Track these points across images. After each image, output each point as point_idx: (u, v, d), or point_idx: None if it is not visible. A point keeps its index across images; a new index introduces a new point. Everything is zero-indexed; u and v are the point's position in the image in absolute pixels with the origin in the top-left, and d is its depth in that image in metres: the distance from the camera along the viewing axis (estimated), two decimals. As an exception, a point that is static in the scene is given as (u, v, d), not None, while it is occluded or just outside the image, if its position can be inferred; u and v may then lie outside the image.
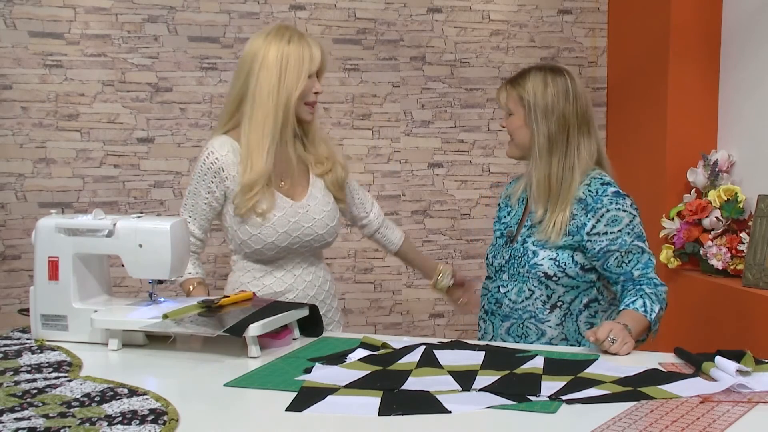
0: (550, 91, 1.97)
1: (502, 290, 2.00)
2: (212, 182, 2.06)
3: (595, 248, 1.91)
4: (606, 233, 1.90)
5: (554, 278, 1.94)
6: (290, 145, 2.08)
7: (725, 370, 1.45)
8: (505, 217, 2.12)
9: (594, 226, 1.91)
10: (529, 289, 1.96)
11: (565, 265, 1.93)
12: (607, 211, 1.92)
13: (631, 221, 1.92)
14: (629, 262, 1.90)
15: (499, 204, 2.19)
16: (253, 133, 2.02)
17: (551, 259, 1.94)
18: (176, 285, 3.32)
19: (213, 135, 2.14)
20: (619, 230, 1.90)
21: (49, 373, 1.58)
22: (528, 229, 2.00)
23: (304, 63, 2.02)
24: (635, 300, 1.85)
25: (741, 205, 2.88)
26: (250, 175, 2.01)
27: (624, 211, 1.92)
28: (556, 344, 1.94)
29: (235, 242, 2.10)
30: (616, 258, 1.90)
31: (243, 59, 2.07)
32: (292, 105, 2.02)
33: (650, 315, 1.83)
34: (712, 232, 2.94)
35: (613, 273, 1.91)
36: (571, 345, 1.95)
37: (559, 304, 1.96)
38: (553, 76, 1.99)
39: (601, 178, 1.97)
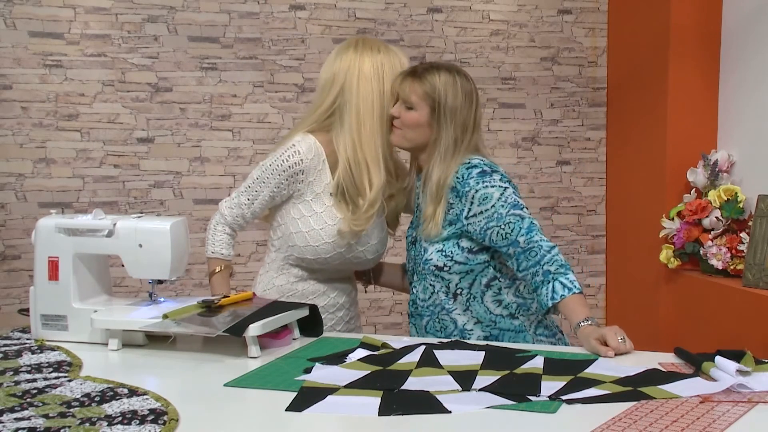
0: (460, 95, 1.96)
1: (414, 291, 2.06)
2: (286, 180, 2.01)
3: (476, 230, 1.92)
4: (481, 212, 1.91)
5: (445, 269, 1.96)
6: (394, 151, 2.06)
7: (725, 370, 1.45)
8: (413, 222, 2.14)
9: (469, 210, 1.92)
10: (430, 285, 2.00)
11: (452, 253, 1.95)
12: (476, 191, 1.91)
13: (501, 194, 1.91)
14: (512, 232, 1.89)
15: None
16: (366, 147, 1.98)
17: (438, 251, 1.96)
18: (176, 285, 3.32)
19: (295, 131, 2.07)
20: (492, 206, 1.90)
21: (49, 373, 1.58)
22: (420, 227, 2.04)
23: (397, 70, 2.01)
24: (553, 286, 1.83)
25: (741, 205, 2.88)
26: (372, 193, 1.98)
27: (492, 186, 1.91)
28: (470, 329, 1.97)
29: (283, 242, 2.07)
30: (498, 232, 1.90)
31: (335, 74, 2.02)
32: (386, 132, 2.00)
33: (575, 287, 1.83)
34: (712, 232, 2.94)
35: (502, 247, 1.91)
36: (487, 326, 1.97)
37: (458, 291, 1.98)
38: (461, 79, 1.98)
39: (469, 162, 1.96)
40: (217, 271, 2.07)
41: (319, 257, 2.03)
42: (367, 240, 2.07)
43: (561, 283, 1.82)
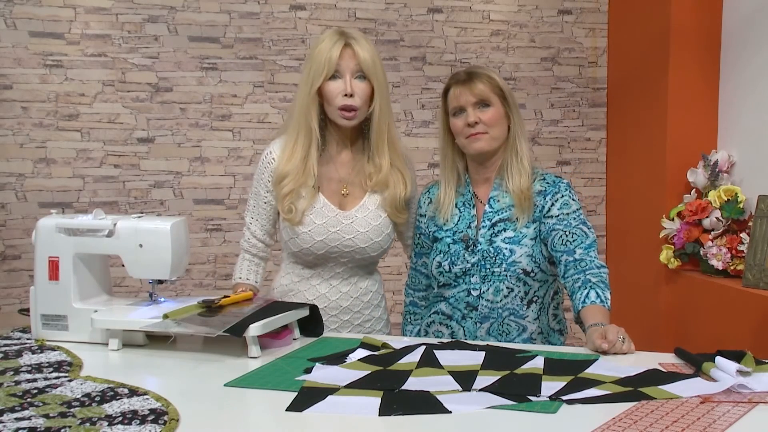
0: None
1: (473, 293, 2.01)
2: (270, 181, 2.05)
3: (545, 229, 2.00)
4: (558, 215, 1.99)
5: (532, 274, 1.99)
6: (336, 151, 2.06)
7: (725, 370, 1.45)
8: (446, 224, 2.10)
9: (549, 209, 2.01)
10: (507, 287, 1.99)
11: (539, 260, 2.00)
12: (562, 196, 2.02)
13: (578, 209, 2.02)
14: (573, 241, 1.96)
15: (422, 215, 2.16)
16: (290, 130, 2.04)
17: (528, 255, 1.99)
18: (176, 285, 3.32)
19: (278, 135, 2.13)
20: (567, 213, 2.00)
21: (50, 373, 1.58)
22: (489, 230, 2.02)
23: (322, 66, 1.95)
24: (588, 293, 1.85)
25: (741, 205, 2.88)
26: (285, 166, 2.01)
27: (574, 200, 2.03)
28: (535, 338, 2.01)
29: (283, 240, 2.10)
30: (560, 237, 1.96)
31: None
32: (310, 109, 1.98)
33: (606, 303, 1.85)
34: (712, 233, 2.94)
35: (557, 251, 1.96)
36: (545, 338, 2.04)
37: (534, 299, 2.02)
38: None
39: (552, 174, 2.10)
40: (238, 291, 2.02)
41: (303, 248, 2.03)
42: (355, 228, 2.04)
43: (596, 293, 1.85)
